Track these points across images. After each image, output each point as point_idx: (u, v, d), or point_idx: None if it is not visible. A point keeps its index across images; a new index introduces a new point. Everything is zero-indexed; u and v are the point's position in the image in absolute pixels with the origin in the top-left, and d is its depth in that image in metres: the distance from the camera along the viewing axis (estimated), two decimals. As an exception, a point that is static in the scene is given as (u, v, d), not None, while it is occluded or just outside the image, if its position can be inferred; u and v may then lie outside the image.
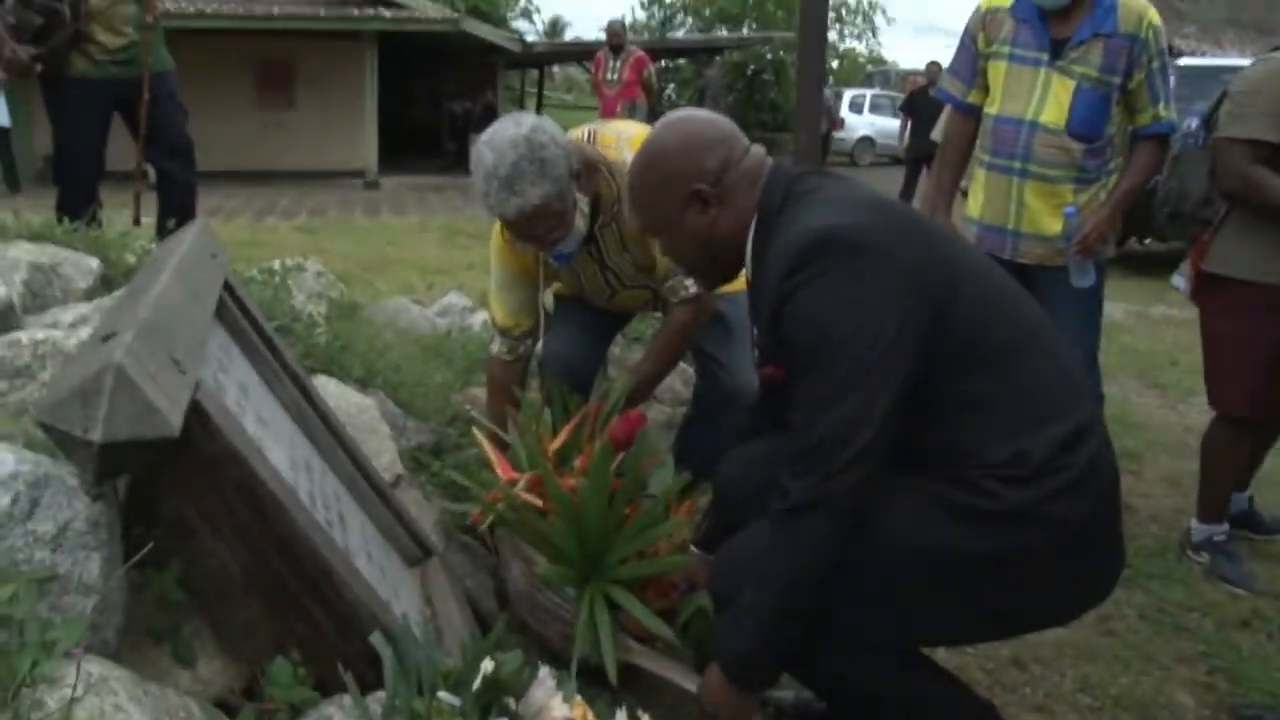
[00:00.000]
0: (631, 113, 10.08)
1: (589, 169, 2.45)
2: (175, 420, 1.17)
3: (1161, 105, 3.05)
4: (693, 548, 2.18)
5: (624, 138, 2.51)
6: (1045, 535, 1.61)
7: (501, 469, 2.24)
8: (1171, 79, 3.11)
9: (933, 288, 1.59)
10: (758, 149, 1.81)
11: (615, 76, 10.25)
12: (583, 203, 2.43)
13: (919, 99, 12.20)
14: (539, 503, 2.11)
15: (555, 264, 2.58)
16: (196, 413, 1.26)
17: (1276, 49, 3.14)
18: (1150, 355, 6.13)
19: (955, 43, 3.29)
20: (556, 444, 2.32)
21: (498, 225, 2.61)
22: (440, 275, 7.60)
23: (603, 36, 11.34)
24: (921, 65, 14.04)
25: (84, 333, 1.86)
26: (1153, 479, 3.94)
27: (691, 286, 2.58)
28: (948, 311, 1.60)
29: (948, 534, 1.61)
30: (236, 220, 11.85)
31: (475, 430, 2.44)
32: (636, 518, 2.11)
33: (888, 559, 1.64)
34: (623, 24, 10.44)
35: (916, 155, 12.01)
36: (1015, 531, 1.60)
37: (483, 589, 2.36)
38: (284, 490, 1.38)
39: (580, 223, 2.43)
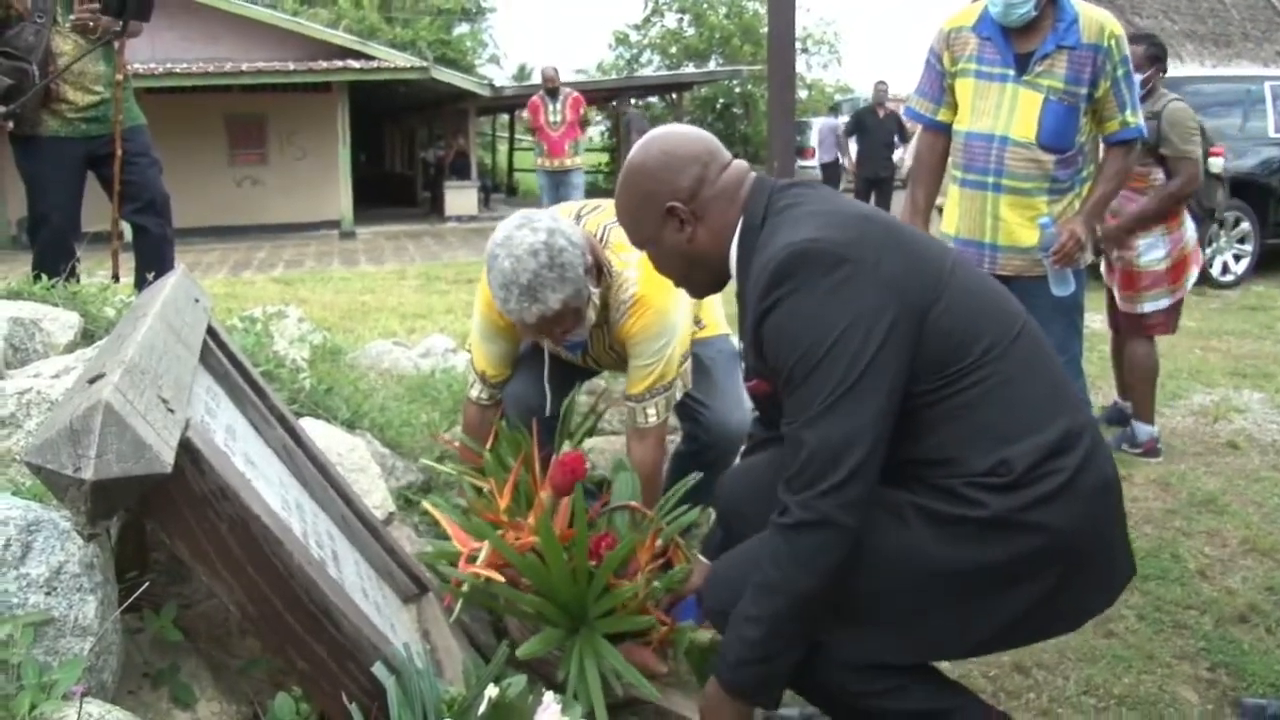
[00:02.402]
0: (576, 150, 10.92)
1: (598, 264, 2.47)
2: (166, 457, 1.16)
3: (1129, 112, 3.09)
4: (700, 557, 2.17)
5: (635, 254, 2.51)
6: (1037, 541, 1.60)
7: (458, 540, 2.22)
8: (1136, 84, 3.17)
9: (916, 297, 1.60)
10: (739, 163, 1.82)
11: (558, 118, 10.86)
12: (595, 295, 2.44)
13: (866, 119, 12.16)
14: (500, 578, 2.09)
15: (565, 353, 2.63)
16: (187, 450, 1.25)
17: None
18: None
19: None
20: (504, 502, 2.30)
21: (486, 280, 2.60)
22: (420, 320, 7.60)
23: (574, 78, 11.82)
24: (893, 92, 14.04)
25: (68, 381, 1.85)
26: (1143, 482, 3.96)
27: (651, 417, 2.57)
28: (931, 320, 1.61)
29: (934, 548, 1.61)
30: (213, 275, 11.83)
31: (426, 505, 2.42)
32: (604, 565, 2.09)
33: (878, 578, 1.64)
34: (555, 70, 11.09)
35: (866, 177, 11.93)
36: (1003, 539, 1.59)
37: (479, 622, 2.35)
38: (278, 525, 1.37)
39: (592, 313, 2.45)
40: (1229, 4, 13.69)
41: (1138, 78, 4.21)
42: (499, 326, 2.65)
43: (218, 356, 2.02)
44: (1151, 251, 4.26)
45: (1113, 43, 3.00)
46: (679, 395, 2.65)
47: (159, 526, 1.27)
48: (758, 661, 1.65)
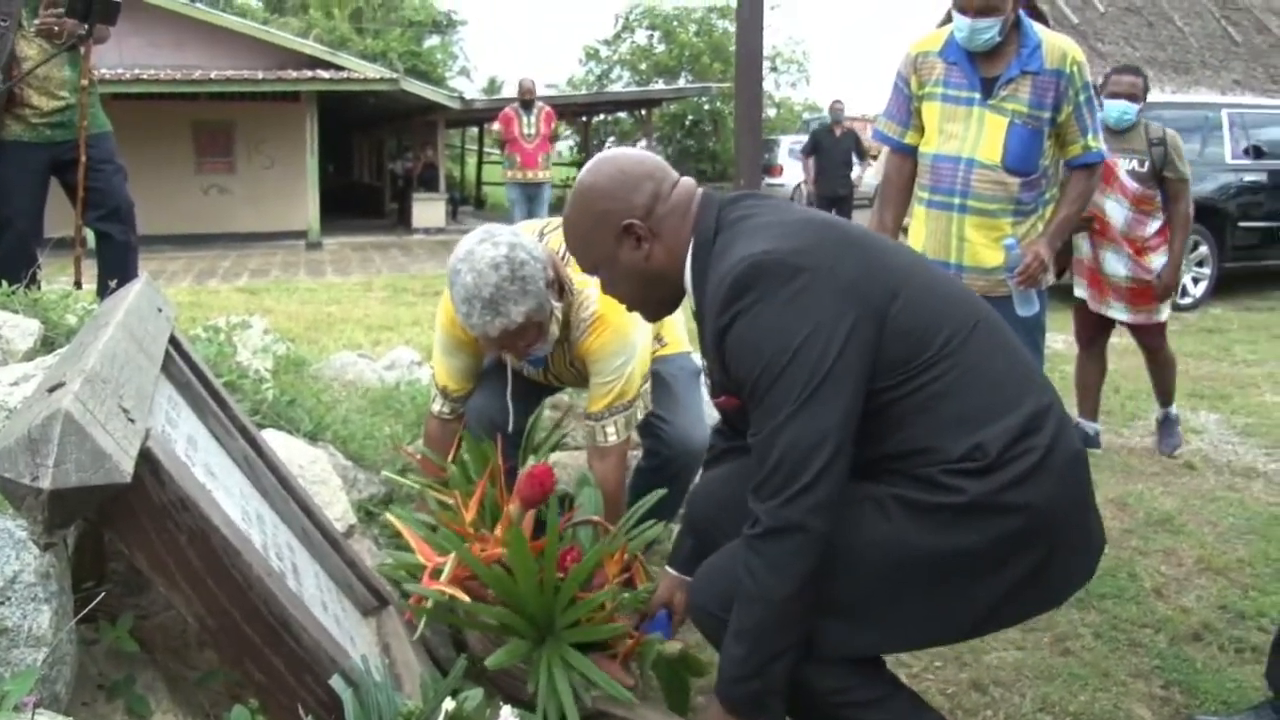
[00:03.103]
0: (547, 163, 11.03)
1: (559, 280, 2.47)
2: (126, 466, 1.15)
3: (1090, 136, 3.15)
4: (668, 568, 2.17)
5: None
6: (1017, 522, 1.61)
7: (422, 554, 2.22)
8: (1099, 112, 3.22)
9: (874, 297, 1.61)
10: (687, 180, 1.83)
11: (532, 131, 10.90)
12: (557, 309, 2.45)
13: (822, 139, 12.18)
14: (464, 596, 2.09)
15: (526, 368, 2.63)
16: (147, 460, 1.25)
17: None
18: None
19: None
20: (471, 514, 2.30)
21: (448, 306, 2.60)
22: (386, 332, 7.58)
23: (544, 92, 11.83)
24: (860, 110, 14.10)
25: (28, 389, 1.83)
26: (1101, 502, 3.90)
27: (611, 435, 2.58)
28: (891, 318, 1.62)
29: (916, 537, 1.62)
30: (177, 283, 11.73)
31: (391, 518, 2.42)
32: (571, 576, 2.09)
33: (863, 571, 1.65)
34: (533, 82, 11.12)
35: (824, 195, 11.92)
36: (982, 522, 1.61)
37: (439, 636, 2.34)
38: (238, 536, 1.37)
39: (555, 328, 2.46)
40: (1188, 32, 13.93)
41: (1137, 107, 4.42)
42: (461, 341, 2.65)
43: (180, 366, 2.01)
44: (1159, 263, 4.55)
45: (1075, 69, 3.05)
46: (640, 415, 2.66)
47: (117, 537, 1.26)
48: (750, 677, 1.65)
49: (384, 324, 8.13)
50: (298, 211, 16.96)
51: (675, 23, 29.48)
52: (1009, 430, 1.62)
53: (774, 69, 29.36)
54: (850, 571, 1.64)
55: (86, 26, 3.99)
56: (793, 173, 23.20)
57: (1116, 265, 4.56)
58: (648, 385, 2.68)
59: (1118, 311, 4.62)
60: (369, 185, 25.47)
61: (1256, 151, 9.40)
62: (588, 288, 2.51)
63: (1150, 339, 4.74)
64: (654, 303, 1.90)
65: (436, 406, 2.77)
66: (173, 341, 2.00)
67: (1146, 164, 4.47)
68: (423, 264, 13.84)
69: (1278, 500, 4.12)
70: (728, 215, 1.75)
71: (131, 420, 1.25)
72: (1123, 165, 4.47)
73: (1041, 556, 1.65)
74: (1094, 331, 4.78)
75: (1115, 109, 4.46)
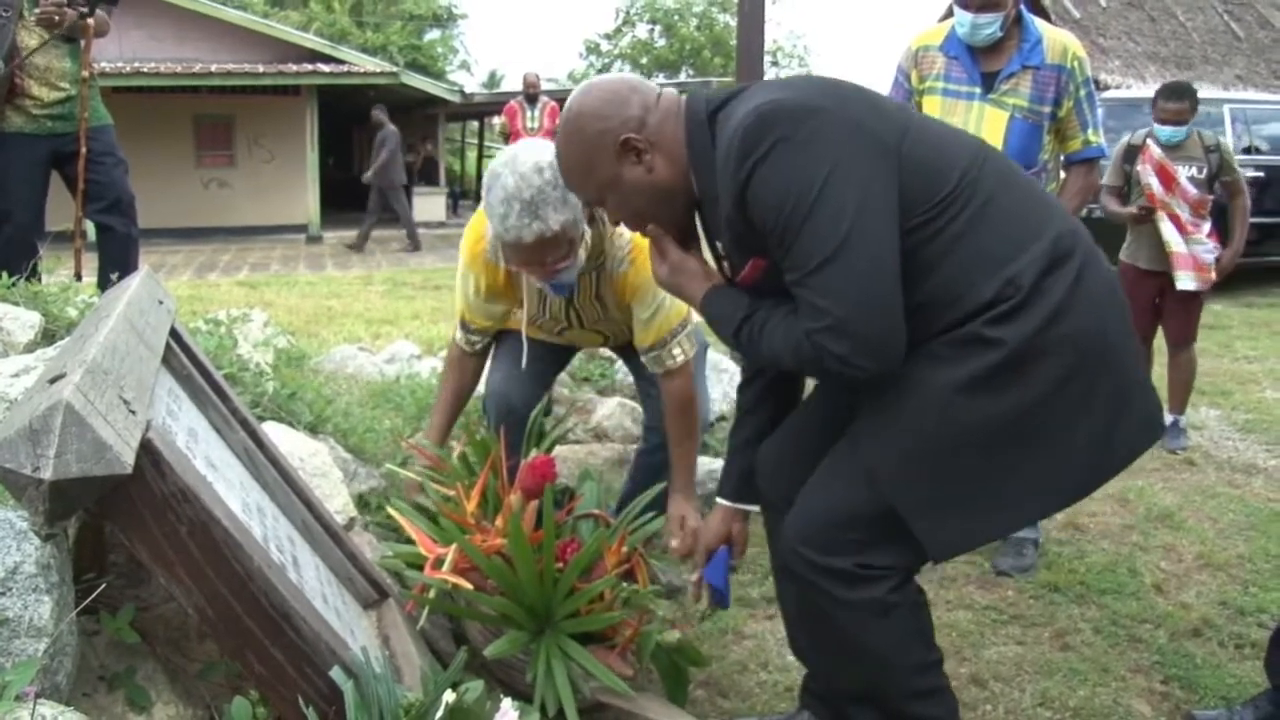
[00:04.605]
0: None
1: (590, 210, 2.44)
2: (127, 458, 1.15)
3: (1090, 131, 3.15)
4: (720, 500, 2.14)
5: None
6: (1068, 357, 1.60)
7: (423, 545, 2.22)
8: (1100, 107, 3.22)
9: (885, 134, 1.60)
10: (669, 90, 1.81)
11: (535, 125, 10.93)
12: (588, 234, 2.43)
13: None
14: (467, 585, 2.09)
15: (551, 293, 2.55)
16: (148, 451, 1.25)
17: None
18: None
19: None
20: (473, 505, 2.30)
21: (471, 239, 2.60)
22: (386, 326, 7.57)
23: (545, 87, 11.82)
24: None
25: (28, 381, 1.83)
26: (1101, 497, 4.00)
27: (679, 355, 2.58)
28: (905, 154, 1.61)
29: (981, 412, 1.61)
30: (178, 277, 11.73)
31: (391, 510, 2.42)
32: (570, 567, 2.09)
33: (947, 464, 1.64)
34: (538, 76, 11.06)
35: None
36: (1036, 369, 1.60)
37: (439, 629, 2.34)
38: (239, 528, 1.37)
39: (583, 254, 2.42)
40: (1190, 28, 13.92)
41: (1185, 128, 4.68)
42: (484, 280, 2.63)
43: (180, 358, 2.00)
44: (1208, 258, 4.81)
45: (1075, 64, 3.05)
46: (691, 326, 2.67)
47: (118, 528, 1.26)
48: (731, 337, 1.78)
49: (384, 318, 8.13)
50: (298, 205, 16.94)
51: (676, 17, 29.47)
52: (1039, 257, 1.60)
53: (775, 63, 29.34)
54: (936, 467, 1.64)
55: (87, 8, 3.98)
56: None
57: (1174, 234, 4.74)
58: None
59: (1186, 281, 4.75)
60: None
61: (1258, 148, 9.39)
62: None
63: (1183, 331, 4.91)
64: (666, 219, 1.84)
65: (458, 335, 2.78)
66: (173, 334, 1.99)
67: (1205, 170, 4.75)
68: (422, 258, 13.83)
69: (1278, 497, 4.12)
70: (717, 98, 1.73)
71: (132, 412, 1.25)
72: (1183, 172, 4.72)
73: (1113, 383, 1.64)
74: (1145, 331, 4.89)
75: (1164, 133, 4.75)
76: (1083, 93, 3.09)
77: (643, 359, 2.65)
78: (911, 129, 1.65)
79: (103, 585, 1.26)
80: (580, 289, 2.60)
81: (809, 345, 1.58)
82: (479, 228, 2.59)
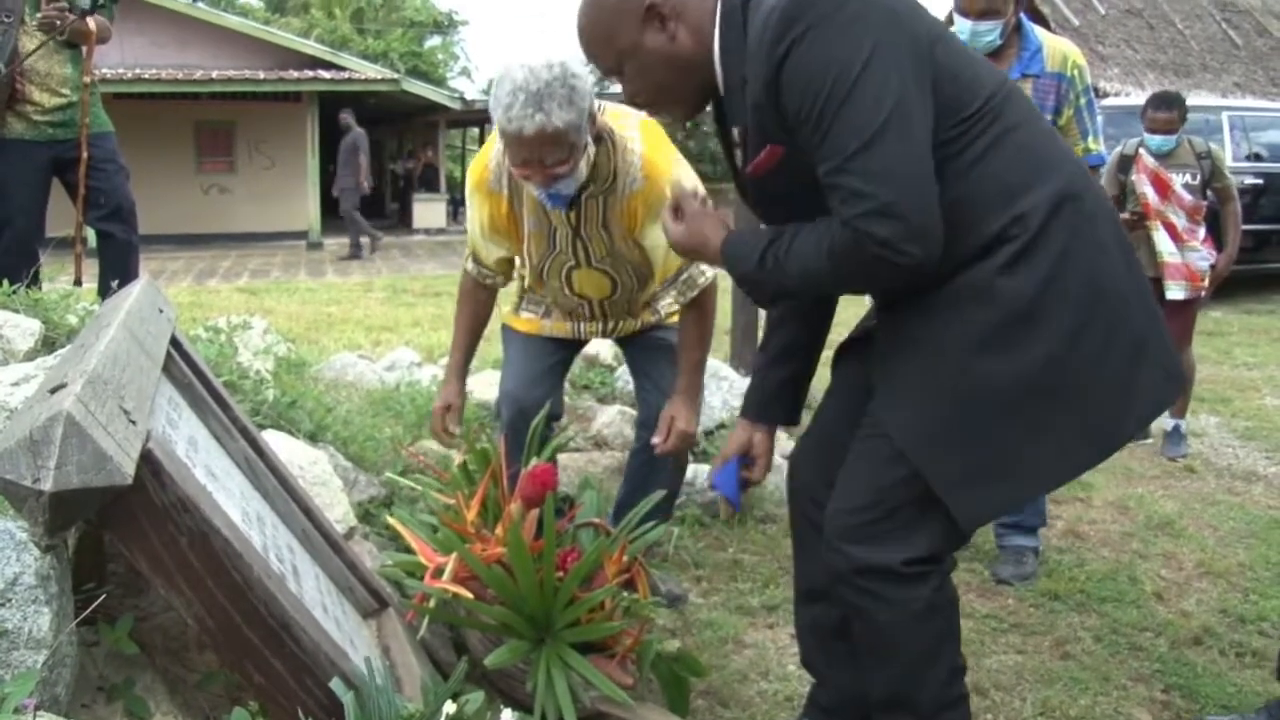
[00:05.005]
0: None
1: (598, 131, 2.45)
2: (128, 468, 1.15)
3: (1091, 138, 3.15)
4: (741, 419, 2.10)
5: (632, 116, 2.50)
6: (1075, 313, 1.59)
7: (424, 555, 2.21)
8: (1099, 114, 3.23)
9: (921, 34, 1.58)
10: None
11: None
12: (590, 149, 2.42)
13: None
14: (467, 594, 2.09)
15: (547, 203, 2.51)
16: (148, 461, 1.24)
17: None
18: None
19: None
20: (473, 514, 2.30)
21: (477, 167, 2.63)
22: (386, 333, 7.58)
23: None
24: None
25: (29, 390, 1.83)
26: (1101, 505, 4.01)
27: (708, 272, 2.59)
28: (938, 57, 1.59)
29: (990, 374, 1.60)
30: (178, 283, 11.74)
31: (391, 520, 2.41)
32: (570, 576, 2.09)
33: (987, 428, 1.62)
34: None
35: None
36: (1046, 325, 1.59)
37: (439, 639, 2.34)
38: (238, 538, 1.37)
39: (584, 167, 2.41)
40: (1189, 35, 13.94)
41: (1175, 137, 4.75)
42: (489, 216, 2.64)
43: (181, 367, 2.00)
44: (1202, 264, 4.89)
45: (1075, 72, 3.06)
46: None
47: (118, 539, 1.26)
48: (751, 279, 1.72)
49: (384, 325, 8.15)
50: (298, 211, 16.99)
51: (676, 24, 29.46)
52: (1048, 198, 1.59)
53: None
54: (960, 434, 1.63)
55: (89, 5, 3.99)
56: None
57: (1168, 243, 4.81)
58: None
59: (1176, 290, 4.81)
60: (370, 185, 25.42)
61: (1258, 154, 9.41)
62: (629, 132, 2.49)
63: (1178, 336, 4.87)
64: (682, 97, 1.80)
65: (469, 265, 2.79)
66: (174, 342, 1.99)
67: (1198, 176, 4.84)
68: (423, 265, 13.86)
69: (1278, 504, 4.12)
70: None
71: (133, 422, 1.25)
72: (1177, 180, 4.82)
73: (1129, 334, 1.64)
74: None
75: (1154, 141, 4.84)
76: (1083, 101, 3.09)
77: (671, 295, 2.61)
78: (945, 38, 1.63)
79: (102, 597, 1.26)
80: (587, 216, 2.55)
81: (848, 235, 1.53)
82: (485, 156, 2.62)
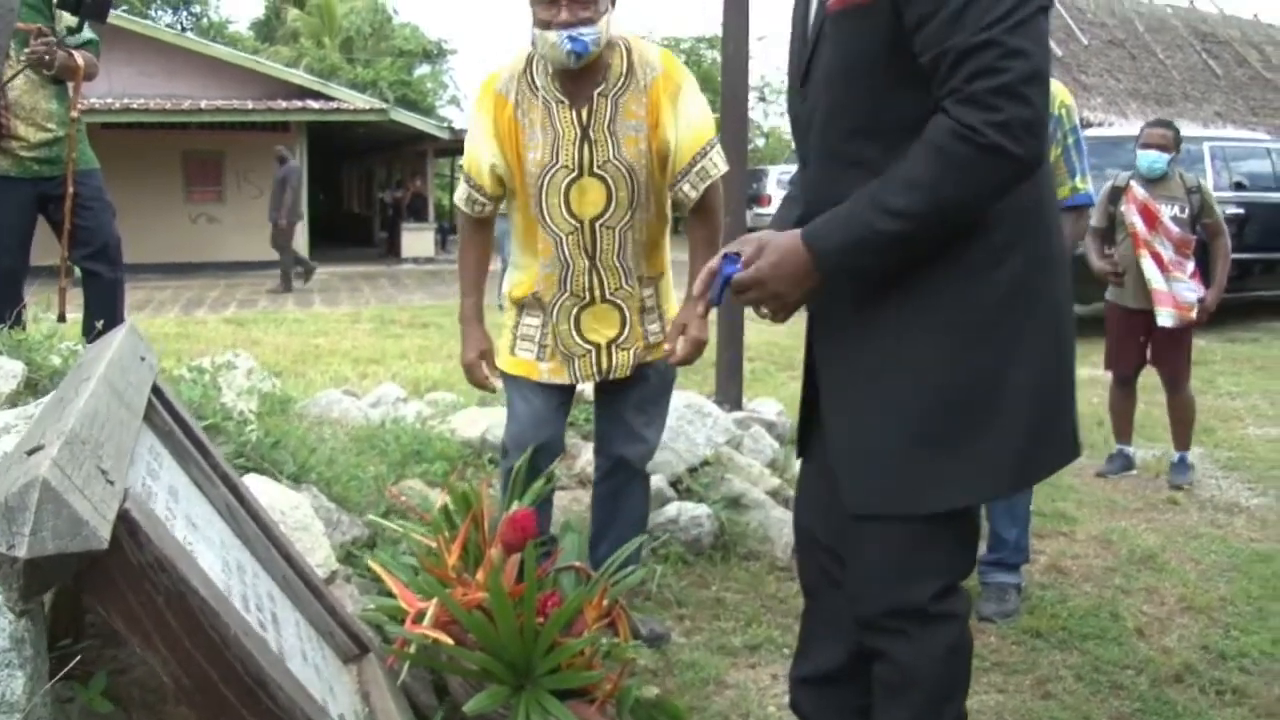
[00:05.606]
0: None
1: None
2: (103, 533, 1.16)
3: (1078, 178, 3.20)
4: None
5: (650, 37, 2.65)
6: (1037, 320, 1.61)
7: (404, 599, 2.22)
8: (1085, 151, 3.27)
9: None
10: None
11: None
12: (610, 20, 2.55)
13: None
14: (448, 640, 2.10)
15: (567, 46, 2.52)
16: (125, 521, 1.25)
17: None
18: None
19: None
20: (454, 559, 2.31)
21: (486, 80, 2.72)
22: (373, 365, 7.58)
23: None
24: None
25: (8, 442, 1.84)
26: (1085, 539, 4.03)
27: (721, 163, 2.69)
28: None
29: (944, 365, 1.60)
30: (165, 313, 11.72)
31: (371, 563, 2.42)
32: (550, 622, 2.10)
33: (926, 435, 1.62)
34: None
35: None
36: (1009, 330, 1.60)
37: (420, 682, 2.34)
38: (215, 596, 1.37)
39: (605, 28, 2.54)
40: (1170, 65, 14.09)
41: (1168, 157, 4.78)
42: (491, 125, 2.69)
43: (162, 415, 2.01)
44: (1190, 297, 4.87)
45: (1063, 111, 3.10)
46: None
47: (94, 600, 1.26)
48: (855, 244, 1.56)
49: (371, 357, 8.14)
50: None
51: (664, 53, 29.65)
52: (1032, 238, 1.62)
53: (763, 99, 29.56)
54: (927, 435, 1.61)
55: (75, 41, 4.01)
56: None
57: (1155, 272, 4.82)
58: None
59: (1165, 317, 4.81)
60: (359, 214, 25.52)
61: (1240, 184, 9.50)
62: (647, 46, 2.69)
63: (1175, 369, 4.98)
64: None
65: (461, 193, 2.84)
66: (155, 390, 2.00)
67: (1186, 210, 4.87)
68: (411, 295, 13.86)
69: (1260, 536, 4.15)
70: None
71: (110, 482, 1.26)
72: (1165, 211, 4.85)
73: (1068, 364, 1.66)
74: (1128, 369, 5.04)
75: (1146, 159, 4.86)
76: (1070, 140, 3.13)
77: (685, 185, 2.69)
78: None
79: (76, 659, 1.26)
80: (597, 115, 2.62)
81: (969, 114, 1.45)
82: (498, 69, 2.73)
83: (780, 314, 1.69)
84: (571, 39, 2.50)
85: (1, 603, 1.22)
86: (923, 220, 1.51)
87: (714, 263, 1.72)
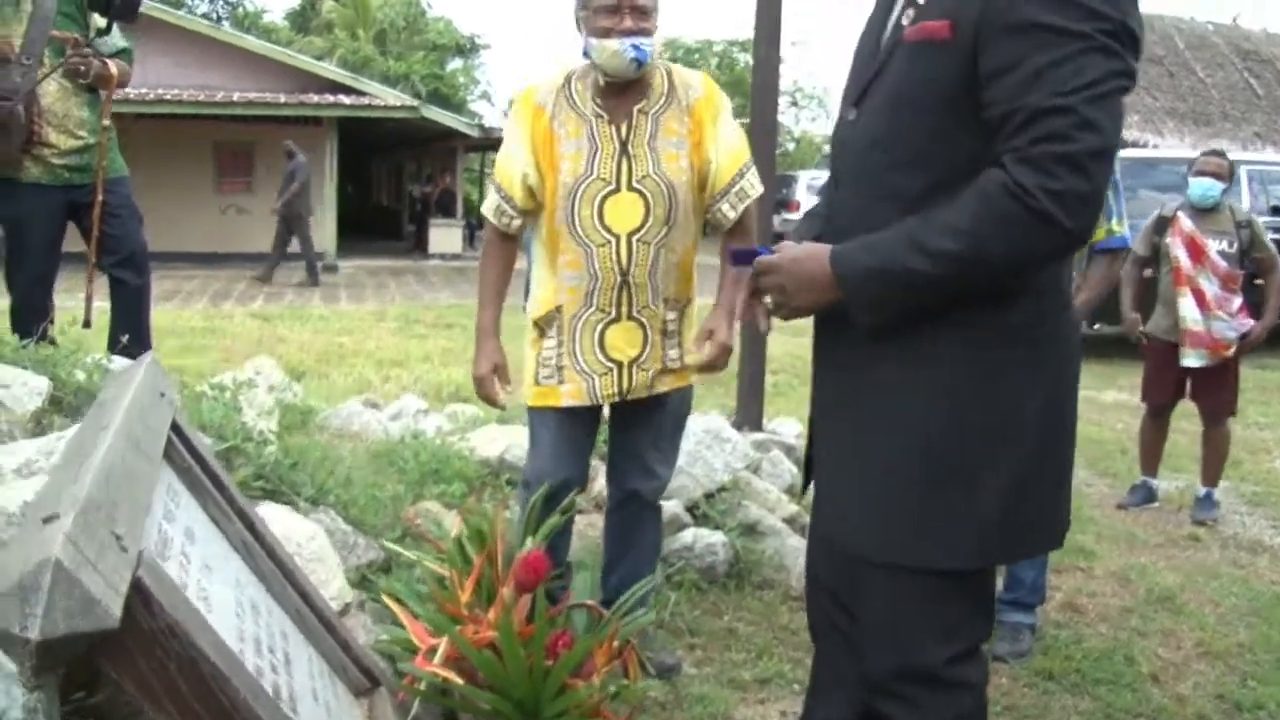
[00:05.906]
0: None
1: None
2: (115, 610, 1.17)
3: (1114, 220, 3.17)
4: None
5: (682, 39, 2.72)
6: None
7: (416, 635, 2.23)
8: (1124, 196, 3.24)
9: None
10: None
11: None
12: (660, 43, 2.63)
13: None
14: (458, 679, 2.10)
15: (630, 52, 2.55)
16: (138, 590, 1.27)
17: None
18: (1101, 443, 6.22)
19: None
20: (467, 595, 2.32)
21: (525, 94, 2.76)
22: (396, 368, 7.61)
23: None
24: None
25: (27, 488, 1.86)
26: (1103, 575, 3.99)
27: (757, 184, 2.76)
28: None
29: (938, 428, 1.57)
30: (193, 305, 11.81)
31: (385, 597, 2.44)
32: (559, 664, 2.10)
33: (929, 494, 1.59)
34: None
35: None
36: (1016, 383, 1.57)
37: (431, 716, 2.35)
38: (226, 660, 1.38)
39: (658, 45, 2.61)
40: (1209, 84, 13.94)
41: (1222, 186, 4.71)
42: (528, 136, 2.70)
43: (181, 452, 2.03)
44: (1230, 334, 4.79)
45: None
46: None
47: (106, 666, 1.28)
48: (879, 272, 1.53)
49: (394, 358, 8.18)
50: (315, 234, 17.07)
51: (696, 55, 29.60)
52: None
53: (794, 104, 29.49)
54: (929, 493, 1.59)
55: (109, 50, 4.04)
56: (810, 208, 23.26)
57: (1194, 311, 4.72)
58: None
59: (1192, 358, 4.75)
60: (388, 208, 25.62)
61: (1275, 209, 9.37)
62: (689, 71, 2.79)
63: (1215, 404, 4.89)
64: None
65: (490, 204, 2.82)
66: (174, 427, 2.02)
67: (1235, 245, 4.76)
68: (437, 292, 13.91)
69: (1281, 579, 4.11)
70: None
71: (124, 549, 1.28)
72: (1213, 246, 4.74)
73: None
74: (1164, 401, 4.97)
75: (1199, 187, 4.76)
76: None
77: (724, 205, 2.74)
78: None
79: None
80: (637, 131, 2.64)
81: (1025, 175, 1.41)
82: (533, 86, 2.77)
83: (782, 310, 1.68)
84: (635, 46, 2.54)
85: (15, 673, 1.23)
86: (954, 267, 1.47)
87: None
